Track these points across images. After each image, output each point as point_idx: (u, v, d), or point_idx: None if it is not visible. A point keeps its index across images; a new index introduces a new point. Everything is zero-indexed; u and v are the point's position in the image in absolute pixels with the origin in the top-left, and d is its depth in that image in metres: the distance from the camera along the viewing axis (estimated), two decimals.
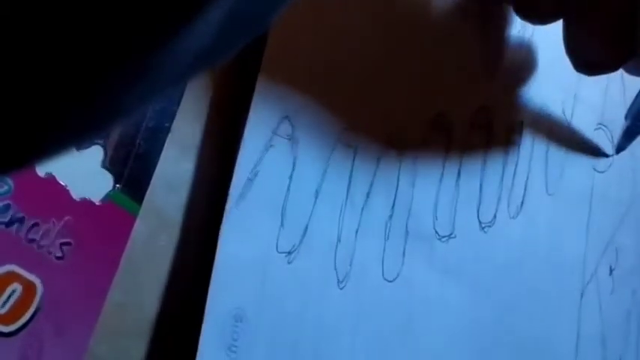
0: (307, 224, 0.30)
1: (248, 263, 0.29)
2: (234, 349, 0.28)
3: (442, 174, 0.35)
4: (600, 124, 0.41)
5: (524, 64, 0.38)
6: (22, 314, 0.25)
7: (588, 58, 0.32)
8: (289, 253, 0.30)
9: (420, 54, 0.34)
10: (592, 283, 0.40)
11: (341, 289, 0.31)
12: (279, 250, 0.29)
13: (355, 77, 0.32)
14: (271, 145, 0.30)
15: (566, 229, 0.39)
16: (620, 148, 0.40)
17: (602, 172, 0.40)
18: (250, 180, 0.29)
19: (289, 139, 0.30)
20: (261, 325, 0.29)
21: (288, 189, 0.30)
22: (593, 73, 0.33)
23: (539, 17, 0.33)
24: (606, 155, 0.40)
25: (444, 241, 0.34)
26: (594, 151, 0.40)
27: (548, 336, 0.38)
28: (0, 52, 0.13)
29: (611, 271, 0.41)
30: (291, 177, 0.30)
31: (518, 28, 0.37)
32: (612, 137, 0.41)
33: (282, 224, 0.30)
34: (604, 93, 0.41)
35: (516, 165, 0.37)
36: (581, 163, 0.40)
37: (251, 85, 0.29)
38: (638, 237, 0.42)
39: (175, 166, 0.29)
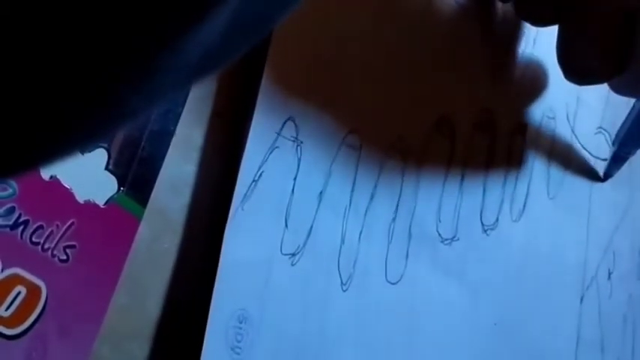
0: (311, 226, 0.30)
1: (252, 264, 0.29)
2: (237, 350, 0.28)
3: (445, 177, 0.35)
4: (600, 127, 0.41)
5: (526, 65, 0.38)
6: (27, 317, 0.25)
7: (580, 66, 0.32)
8: (293, 254, 0.30)
9: (423, 56, 0.34)
10: (592, 287, 0.40)
11: (344, 291, 0.31)
12: (283, 252, 0.30)
13: (359, 79, 0.32)
14: (276, 147, 0.30)
15: (567, 233, 0.39)
16: (607, 174, 0.40)
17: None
18: (255, 181, 0.29)
19: (294, 141, 0.30)
20: (264, 326, 0.29)
21: (293, 191, 0.30)
22: (582, 82, 0.33)
23: (538, 20, 0.33)
24: (600, 180, 0.40)
25: (446, 244, 0.34)
26: (590, 173, 0.40)
27: (549, 339, 0.38)
28: (4, 54, 0.13)
29: (609, 274, 0.41)
30: (295, 179, 0.30)
31: (522, 31, 0.37)
32: (610, 141, 0.41)
33: (286, 226, 0.30)
34: (606, 96, 0.41)
35: (519, 168, 0.37)
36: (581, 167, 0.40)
37: (254, 87, 0.30)
38: (634, 241, 0.42)
39: (179, 169, 0.29)
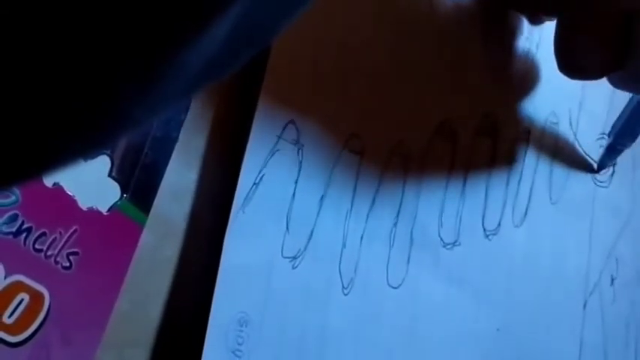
0: (312, 229, 0.30)
1: (253, 267, 0.29)
2: (238, 353, 0.28)
3: (447, 181, 0.35)
4: (603, 133, 0.41)
5: (529, 70, 0.38)
6: (30, 324, 0.25)
7: (576, 61, 0.32)
8: (294, 258, 0.30)
9: (425, 60, 0.34)
10: (595, 293, 0.40)
11: (346, 294, 0.31)
12: (284, 255, 0.30)
13: (360, 84, 0.32)
14: (277, 150, 0.30)
15: (569, 239, 0.39)
16: (601, 166, 0.40)
17: (603, 182, 0.40)
18: (256, 184, 0.29)
19: (295, 144, 0.30)
20: (265, 329, 0.29)
21: (294, 194, 0.30)
22: (577, 77, 0.33)
23: (536, 7, 0.34)
24: (595, 172, 0.40)
25: (448, 249, 0.34)
26: (592, 179, 0.40)
27: (551, 345, 0.38)
28: (5, 61, 0.13)
29: (612, 281, 0.40)
30: (296, 182, 0.30)
31: (525, 35, 0.37)
32: None
33: (287, 229, 0.30)
34: (609, 102, 0.41)
35: (521, 173, 0.37)
36: (584, 173, 0.40)
37: (255, 93, 0.30)
38: (636, 247, 0.42)
39: (181, 176, 0.29)
